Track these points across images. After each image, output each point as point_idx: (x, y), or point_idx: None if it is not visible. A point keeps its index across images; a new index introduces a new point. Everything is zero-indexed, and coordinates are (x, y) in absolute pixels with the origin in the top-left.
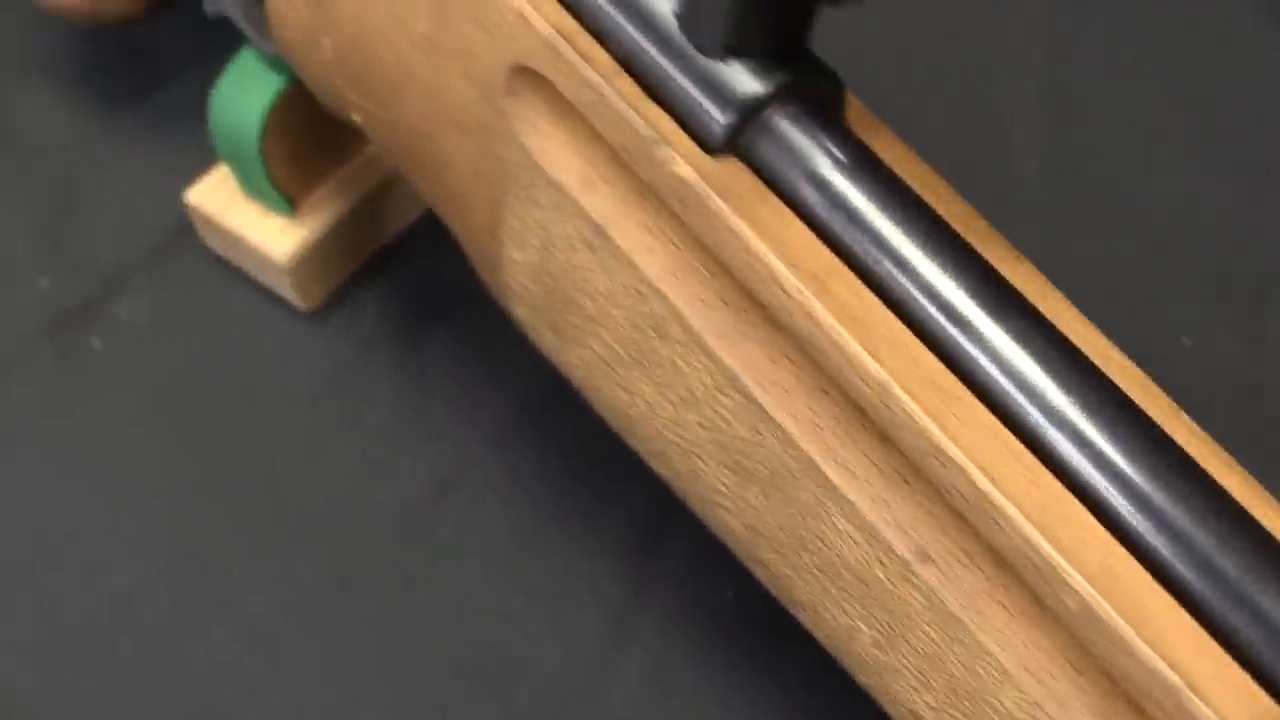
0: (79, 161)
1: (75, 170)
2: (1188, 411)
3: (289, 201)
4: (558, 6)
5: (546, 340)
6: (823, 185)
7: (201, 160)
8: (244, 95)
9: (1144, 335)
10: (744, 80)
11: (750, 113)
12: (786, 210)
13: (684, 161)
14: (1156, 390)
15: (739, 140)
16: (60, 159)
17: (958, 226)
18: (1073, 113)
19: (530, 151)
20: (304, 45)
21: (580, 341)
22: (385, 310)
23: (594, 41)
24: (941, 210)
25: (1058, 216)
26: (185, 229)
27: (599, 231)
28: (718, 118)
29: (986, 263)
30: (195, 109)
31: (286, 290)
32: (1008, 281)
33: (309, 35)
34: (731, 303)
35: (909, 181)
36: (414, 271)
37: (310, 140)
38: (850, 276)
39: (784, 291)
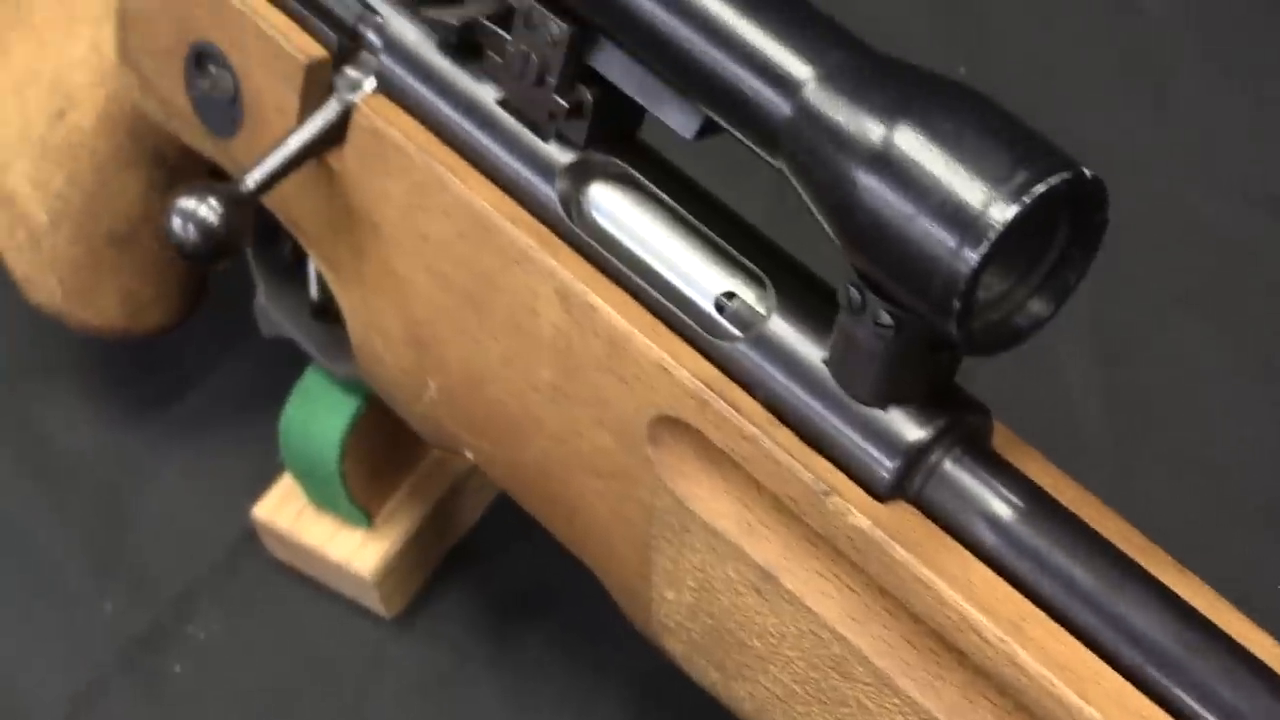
0: (117, 470)
1: (115, 479)
2: None
3: (366, 514)
4: (696, 355)
5: (707, 676)
6: (1004, 530)
7: (243, 466)
8: (317, 419)
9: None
10: (905, 426)
11: (916, 458)
12: (968, 555)
13: (859, 512)
14: None
15: (906, 485)
16: (98, 468)
17: (1121, 544)
18: (1125, 356)
19: (681, 498)
20: (405, 385)
21: (749, 678)
22: (471, 609)
23: (742, 390)
24: (1104, 529)
25: (1124, 458)
26: (246, 538)
27: (766, 576)
28: (885, 466)
29: (1166, 589)
30: (225, 412)
31: (371, 601)
32: (1190, 606)
33: (412, 377)
34: (919, 645)
35: (1067, 504)
36: (492, 566)
37: (386, 453)
38: (1046, 619)
39: (983, 640)
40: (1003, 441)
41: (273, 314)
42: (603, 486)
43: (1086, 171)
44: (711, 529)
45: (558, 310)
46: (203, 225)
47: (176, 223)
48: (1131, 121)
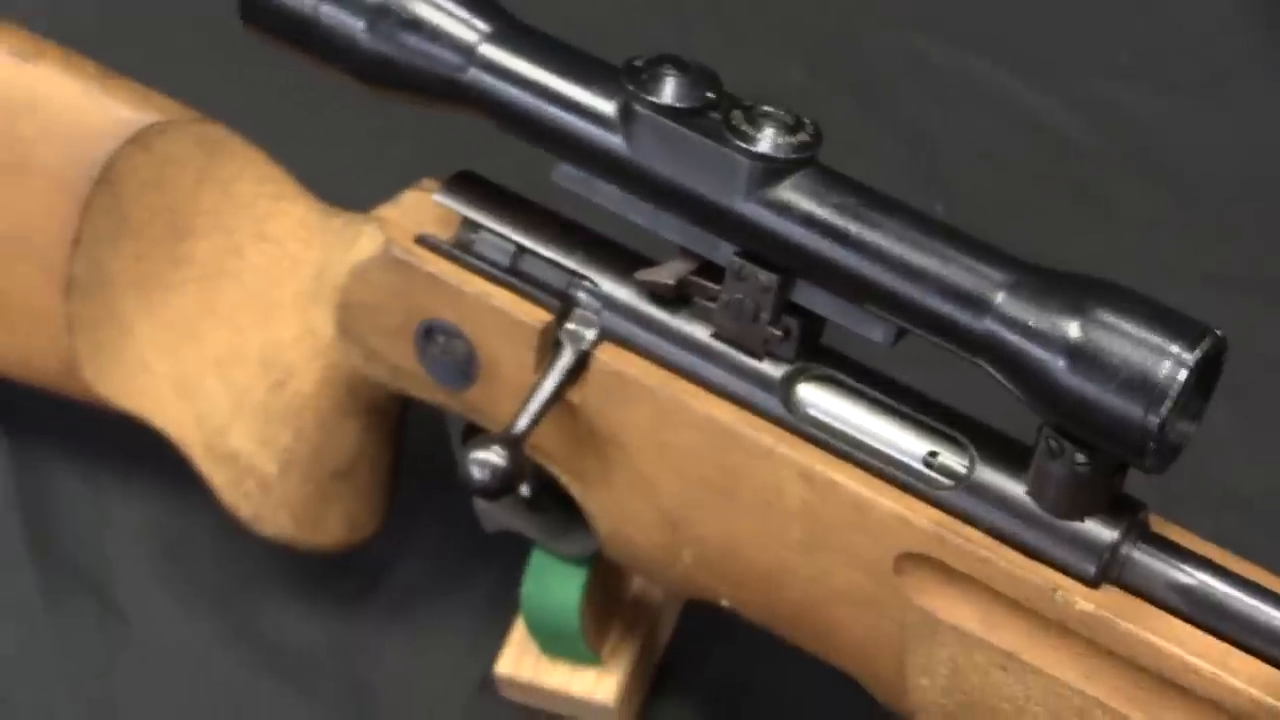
0: (352, 654)
1: (351, 663)
2: None
3: (597, 655)
4: (925, 504)
5: None
6: (1188, 592)
7: (456, 626)
8: (553, 592)
9: None
10: (1100, 531)
11: (1113, 554)
12: (1168, 615)
13: (1083, 600)
14: None
15: (1108, 573)
16: (333, 657)
17: (1264, 583)
18: None
19: (929, 611)
20: (659, 559)
21: None
22: (690, 712)
23: (967, 525)
24: (1245, 573)
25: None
26: (481, 689)
27: (1010, 657)
28: (1091, 563)
29: None
30: (423, 585)
31: None
32: None
33: (666, 552)
34: (1146, 687)
35: (1216, 559)
36: (697, 672)
37: (607, 602)
38: (1241, 653)
39: (1201, 676)
40: (1155, 522)
41: (495, 514)
42: (857, 612)
43: (1218, 331)
44: (958, 629)
45: (802, 488)
46: (495, 469)
47: (474, 470)
48: None
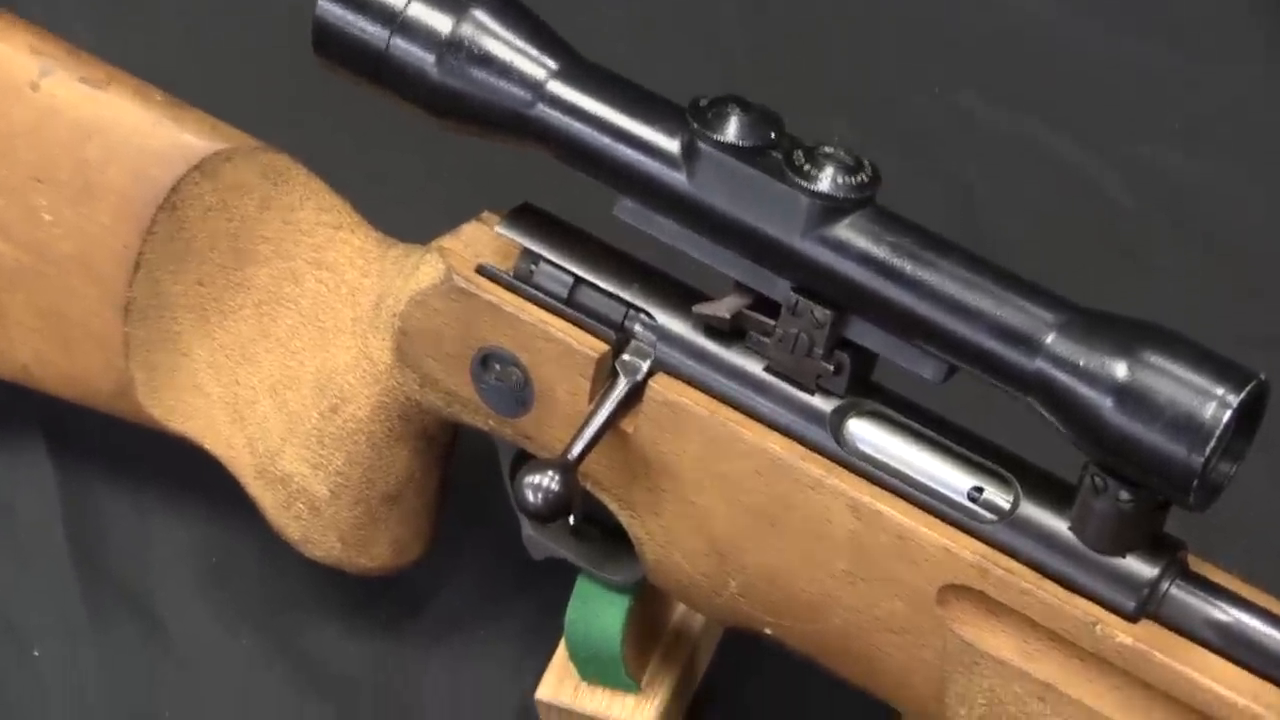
0: (393, 676)
1: (392, 684)
2: None
3: (636, 682)
4: (969, 537)
5: None
6: (1223, 629)
7: (497, 650)
8: (596, 618)
9: None
10: (1141, 568)
11: (1153, 589)
12: (1203, 650)
13: (1123, 634)
14: None
15: (1148, 608)
16: (374, 678)
17: None
18: None
19: (969, 641)
20: (705, 587)
21: None
22: None
23: (1010, 559)
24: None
25: None
26: (521, 713)
27: (1047, 688)
28: (1132, 599)
29: None
30: (462, 609)
31: None
32: None
33: (712, 580)
34: (1180, 717)
35: (1248, 596)
36: (730, 705)
37: (648, 631)
38: (1274, 688)
39: (1235, 709)
40: (1193, 561)
41: (543, 541)
42: (899, 640)
43: (1261, 375)
44: (997, 659)
45: (850, 519)
46: (548, 493)
47: (528, 494)
48: None
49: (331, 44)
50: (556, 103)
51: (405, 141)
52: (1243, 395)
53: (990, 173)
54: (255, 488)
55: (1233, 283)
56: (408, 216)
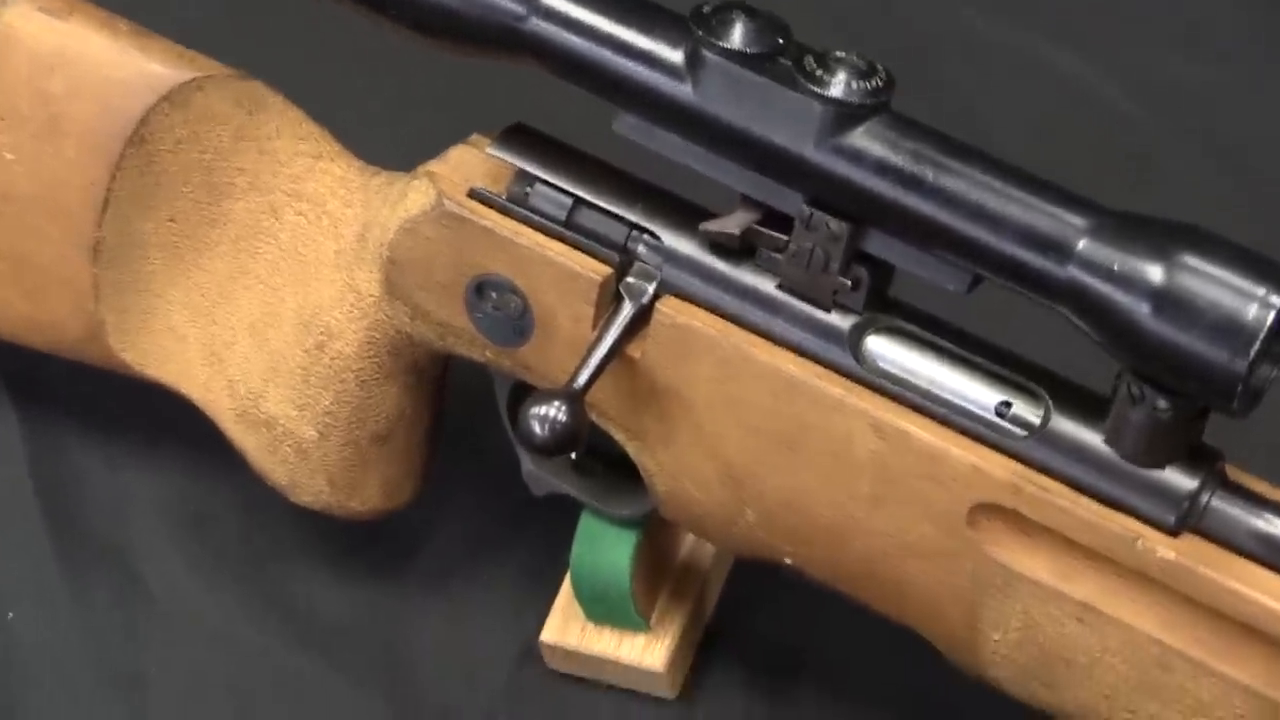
0: (385, 625)
1: (386, 633)
2: None
3: (645, 620)
4: (999, 453)
5: (1035, 694)
6: (1266, 539)
7: (492, 596)
8: (603, 555)
9: None
10: (1180, 480)
11: (1193, 502)
12: (1248, 562)
13: (1165, 548)
14: None
15: (1189, 521)
16: (368, 627)
17: None
18: None
19: (1003, 564)
20: (721, 517)
21: (1075, 686)
22: (740, 675)
23: (1043, 475)
24: None
25: None
26: (521, 658)
27: (1086, 608)
28: (1172, 512)
29: None
30: (458, 554)
31: (660, 689)
32: None
33: (727, 509)
34: (1225, 634)
35: None
36: (745, 634)
37: (657, 567)
38: None
39: None
40: (1230, 471)
41: (544, 478)
42: (928, 565)
43: None
44: (1033, 580)
45: (873, 439)
46: (555, 424)
47: (534, 427)
48: None
49: None
50: (552, 15)
51: (385, 67)
52: None
53: (990, 85)
54: (237, 432)
55: (1246, 189)
56: (390, 144)
